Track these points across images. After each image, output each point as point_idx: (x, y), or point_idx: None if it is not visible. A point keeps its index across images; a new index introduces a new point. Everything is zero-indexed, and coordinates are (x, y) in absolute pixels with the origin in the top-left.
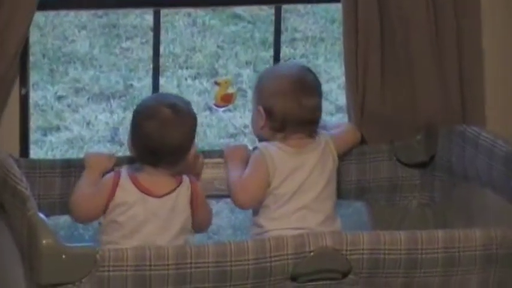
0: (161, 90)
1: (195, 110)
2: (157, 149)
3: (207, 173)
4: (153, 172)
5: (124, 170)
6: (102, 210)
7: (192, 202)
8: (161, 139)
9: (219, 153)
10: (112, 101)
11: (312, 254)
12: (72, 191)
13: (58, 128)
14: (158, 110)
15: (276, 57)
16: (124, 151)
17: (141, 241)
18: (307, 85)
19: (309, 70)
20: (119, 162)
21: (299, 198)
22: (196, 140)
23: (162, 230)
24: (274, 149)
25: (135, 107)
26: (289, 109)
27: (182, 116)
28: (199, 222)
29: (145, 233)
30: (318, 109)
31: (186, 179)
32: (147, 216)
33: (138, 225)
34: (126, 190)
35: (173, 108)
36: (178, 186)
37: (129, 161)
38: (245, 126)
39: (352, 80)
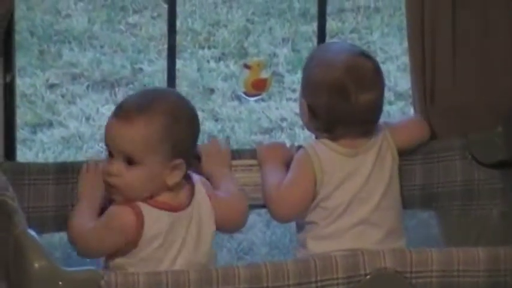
0: (178, 75)
1: (220, 101)
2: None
3: (237, 178)
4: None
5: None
6: (117, 249)
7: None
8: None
9: (251, 153)
10: (117, 89)
11: (368, 277)
12: (72, 214)
13: (51, 124)
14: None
15: (321, 33)
16: None
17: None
18: (361, 75)
19: (364, 55)
20: None
21: (355, 212)
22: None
23: (183, 249)
24: (323, 149)
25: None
26: (337, 108)
27: (191, 110)
28: (227, 223)
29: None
30: (376, 106)
31: (197, 180)
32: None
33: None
34: (155, 219)
35: (185, 103)
36: (191, 193)
37: None
38: (282, 119)
39: (418, 59)
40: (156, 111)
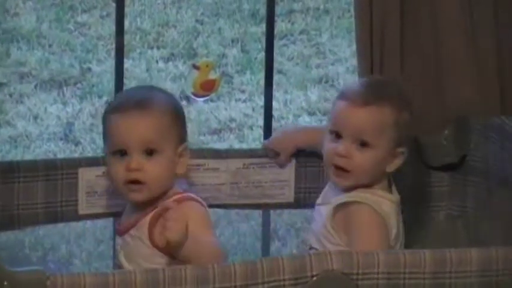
0: (126, 75)
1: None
2: None
3: (204, 178)
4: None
5: None
6: None
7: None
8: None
9: (198, 153)
10: (65, 88)
11: (314, 278)
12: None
13: None
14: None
15: (269, 34)
16: (81, 151)
17: None
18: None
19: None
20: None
21: None
22: None
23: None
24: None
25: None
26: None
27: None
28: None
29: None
30: None
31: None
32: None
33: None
34: None
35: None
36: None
37: (88, 162)
38: (231, 120)
39: (366, 62)
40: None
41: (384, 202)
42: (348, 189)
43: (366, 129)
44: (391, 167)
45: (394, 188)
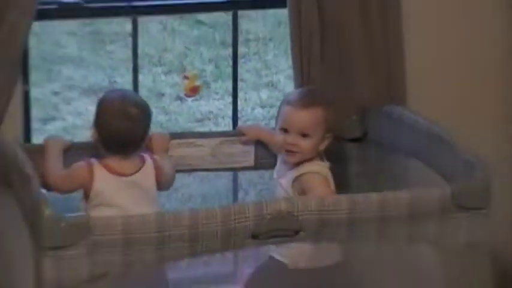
0: (140, 85)
1: (168, 101)
2: (125, 142)
3: (180, 152)
4: (121, 158)
5: (94, 160)
6: (77, 189)
7: (156, 173)
8: (130, 134)
9: (189, 135)
10: (99, 95)
11: (269, 216)
12: (47, 172)
13: (54, 118)
14: (127, 110)
15: (234, 55)
16: None
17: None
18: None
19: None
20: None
21: None
22: (166, 125)
23: (138, 202)
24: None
25: (100, 105)
26: None
27: (144, 113)
28: (164, 185)
29: (123, 207)
30: None
31: (147, 157)
32: (123, 193)
33: (117, 201)
34: (103, 178)
35: (137, 108)
36: (142, 165)
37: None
38: (209, 113)
39: (298, 71)
40: None
41: (323, 168)
42: (296, 164)
43: (306, 126)
44: (322, 146)
45: (324, 157)
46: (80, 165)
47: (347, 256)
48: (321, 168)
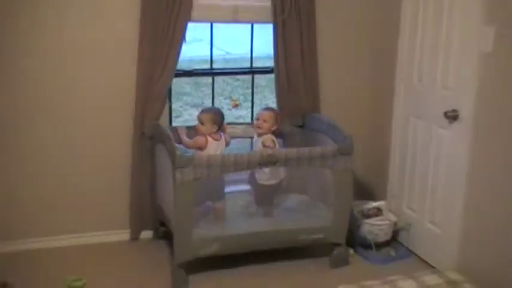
0: (215, 104)
1: (224, 111)
2: (218, 126)
3: (230, 130)
4: (215, 133)
5: (208, 136)
6: (196, 148)
7: (225, 140)
8: (219, 123)
9: (233, 123)
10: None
11: (265, 155)
12: (183, 141)
13: (179, 116)
14: (219, 112)
15: (252, 95)
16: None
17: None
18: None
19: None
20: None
21: None
22: (226, 120)
23: (219, 151)
24: None
25: (210, 111)
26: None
27: (222, 114)
28: (226, 145)
29: (212, 152)
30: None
31: (221, 133)
32: (215, 147)
33: (212, 152)
34: (211, 142)
35: (220, 112)
36: (221, 137)
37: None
38: (239, 117)
39: (277, 97)
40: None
41: (271, 136)
42: (261, 135)
43: (265, 118)
44: (273, 128)
45: (273, 134)
46: (201, 137)
47: (290, 176)
48: (271, 136)
